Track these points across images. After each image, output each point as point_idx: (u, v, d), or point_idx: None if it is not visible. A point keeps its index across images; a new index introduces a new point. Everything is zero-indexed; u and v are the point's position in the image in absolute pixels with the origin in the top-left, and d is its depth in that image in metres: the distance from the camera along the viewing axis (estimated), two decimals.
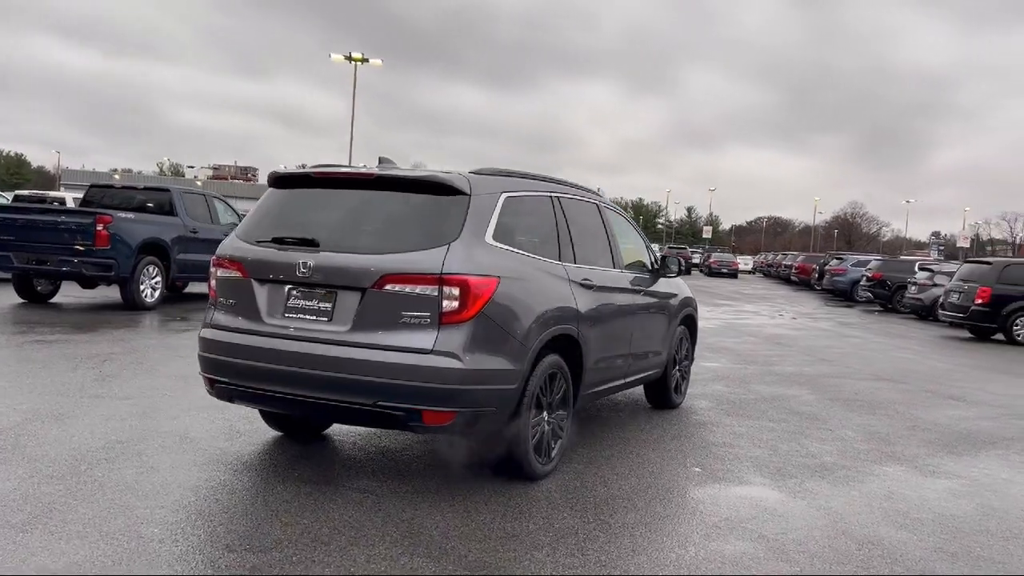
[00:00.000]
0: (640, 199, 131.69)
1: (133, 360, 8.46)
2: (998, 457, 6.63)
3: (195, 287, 16.11)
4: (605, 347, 5.89)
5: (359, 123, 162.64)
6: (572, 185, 6.25)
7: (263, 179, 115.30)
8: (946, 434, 7.36)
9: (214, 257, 5.15)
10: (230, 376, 4.87)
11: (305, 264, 4.69)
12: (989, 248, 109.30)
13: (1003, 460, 6.55)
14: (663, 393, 7.47)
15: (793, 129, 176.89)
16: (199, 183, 78.73)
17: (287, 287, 4.80)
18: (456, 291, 4.46)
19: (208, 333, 5.05)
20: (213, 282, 5.14)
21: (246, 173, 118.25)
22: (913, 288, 23.29)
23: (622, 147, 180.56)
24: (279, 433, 5.90)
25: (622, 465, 5.65)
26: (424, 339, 4.46)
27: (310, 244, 4.78)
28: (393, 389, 4.44)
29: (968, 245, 54.70)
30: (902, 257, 39.40)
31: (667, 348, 7.26)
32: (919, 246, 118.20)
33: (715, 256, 55.90)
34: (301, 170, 5.27)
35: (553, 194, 5.75)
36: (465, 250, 4.58)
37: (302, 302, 4.75)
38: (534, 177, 5.65)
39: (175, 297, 15.04)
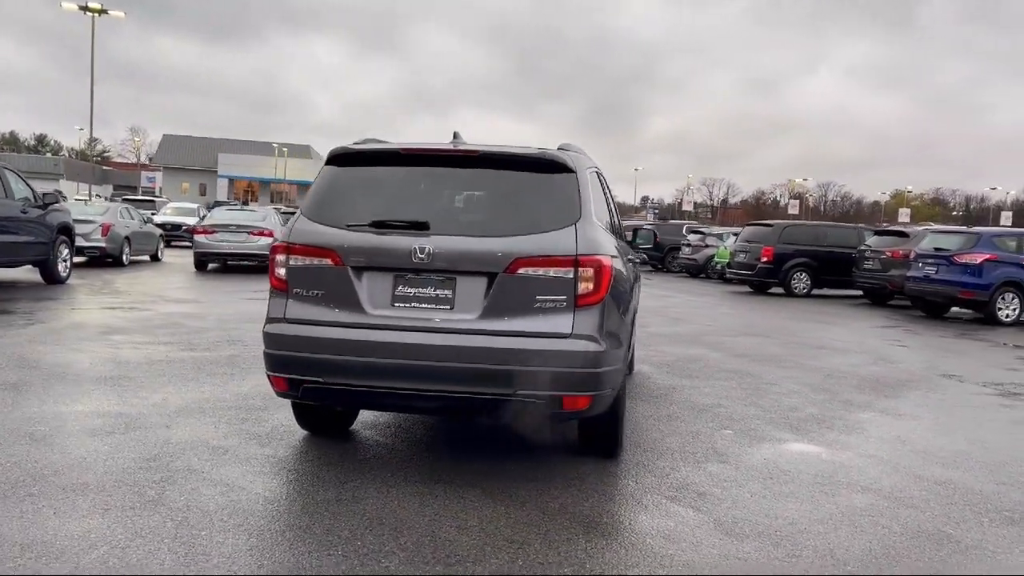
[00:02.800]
0: None
1: (15, 364, 7.23)
2: (921, 398, 7.62)
3: None
4: (633, 320, 6.01)
5: (47, 77, 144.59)
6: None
7: None
8: (862, 381, 8.30)
9: (284, 243, 4.58)
10: (325, 375, 4.39)
11: (422, 249, 4.32)
12: (695, 211, 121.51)
13: (926, 399, 7.53)
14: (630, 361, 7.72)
15: (523, 96, 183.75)
16: None
17: (394, 274, 4.40)
18: (591, 272, 4.35)
19: (284, 329, 4.50)
20: (282, 271, 4.57)
21: None
22: (687, 249, 25.52)
23: (350, 109, 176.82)
24: (306, 432, 5.41)
25: (659, 434, 5.80)
26: (562, 323, 4.32)
27: (421, 227, 4.41)
28: (534, 377, 4.26)
29: (692, 209, 60.49)
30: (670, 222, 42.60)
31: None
32: (636, 210, 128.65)
33: None
34: (381, 146, 4.81)
35: (596, 167, 5.72)
36: (589, 230, 4.47)
37: (415, 290, 4.39)
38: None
39: None
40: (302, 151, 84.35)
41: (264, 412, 5.91)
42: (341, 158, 4.78)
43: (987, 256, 14.65)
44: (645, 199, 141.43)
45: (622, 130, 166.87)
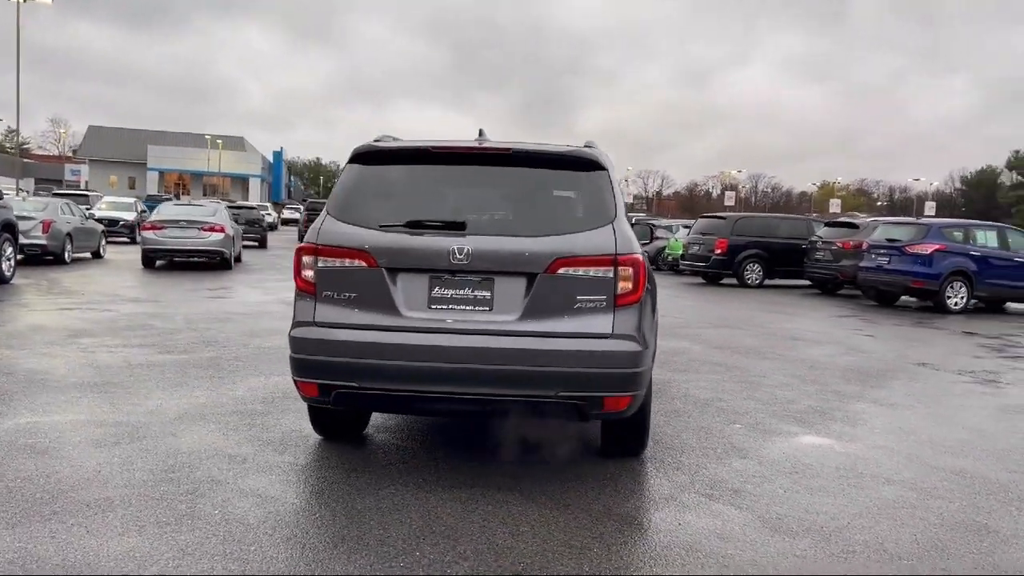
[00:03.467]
0: (318, 158, 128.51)
1: None
2: (905, 387, 7.81)
3: None
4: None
5: None
6: None
7: None
8: (844, 371, 8.47)
9: (311, 245, 4.42)
10: (360, 379, 4.26)
11: (461, 250, 4.22)
12: (632, 203, 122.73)
13: (911, 389, 7.72)
14: None
15: (459, 86, 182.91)
16: None
17: (429, 275, 4.30)
18: (630, 271, 4.32)
19: (314, 333, 4.36)
20: (310, 273, 4.42)
21: None
22: None
23: (283, 99, 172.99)
24: (319, 438, 5.26)
25: (673, 430, 5.81)
26: (602, 323, 4.27)
27: (458, 228, 4.31)
28: (576, 378, 4.21)
29: (632, 201, 61.11)
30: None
31: None
32: None
33: None
34: (409, 144, 4.68)
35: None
36: (625, 229, 4.44)
37: (452, 291, 4.29)
38: None
39: None
40: (236, 143, 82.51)
41: (267, 417, 5.74)
42: (365, 156, 4.64)
43: (937, 246, 15.12)
44: None
45: (558, 121, 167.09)
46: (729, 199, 66.80)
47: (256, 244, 29.05)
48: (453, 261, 4.23)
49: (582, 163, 4.55)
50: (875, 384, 7.83)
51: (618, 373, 4.27)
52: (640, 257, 4.39)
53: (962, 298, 15.19)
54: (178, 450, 4.91)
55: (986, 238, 15.73)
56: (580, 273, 4.26)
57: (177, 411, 5.82)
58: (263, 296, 13.68)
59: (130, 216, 29.21)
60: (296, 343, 4.40)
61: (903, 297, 16.58)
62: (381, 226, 4.36)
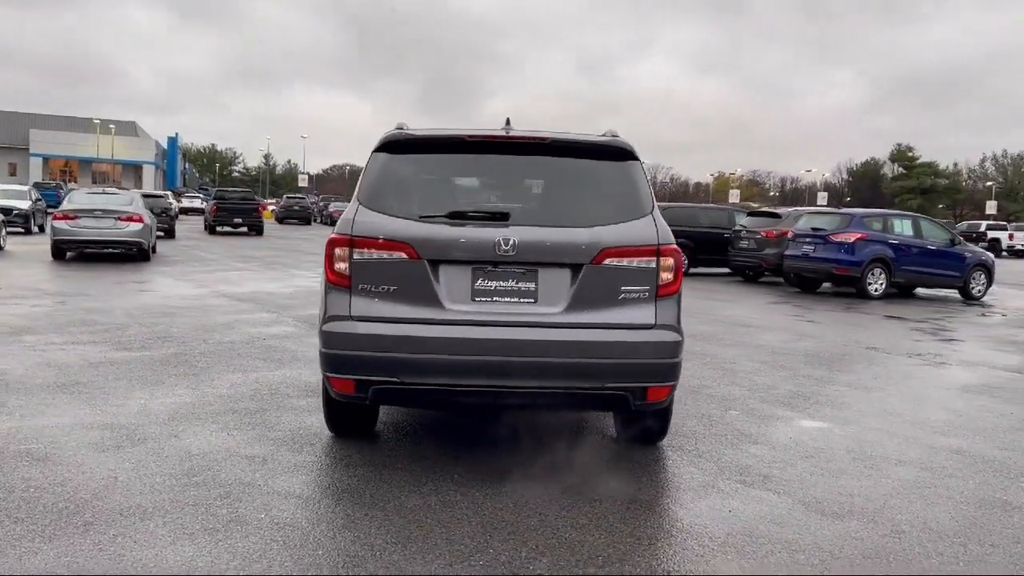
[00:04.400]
0: (213, 144, 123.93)
1: None
2: (867, 370, 8.12)
3: None
4: None
5: None
6: None
7: None
8: (806, 357, 8.74)
9: (346, 236, 4.24)
10: (402, 374, 4.13)
11: (507, 241, 4.14)
12: None
13: (873, 372, 8.03)
14: None
15: (358, 70, 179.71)
16: None
17: (472, 267, 4.20)
18: (671, 262, 4.35)
19: (351, 327, 4.19)
20: (343, 266, 4.25)
21: None
22: None
23: (169, 81, 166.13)
24: (329, 436, 5.09)
25: (676, 418, 5.79)
26: (645, 314, 4.28)
27: (501, 218, 4.23)
28: (621, 369, 4.20)
29: None
30: None
31: None
32: None
33: (334, 206, 53.31)
34: (443, 133, 4.54)
35: None
36: (661, 220, 4.46)
37: (496, 283, 4.21)
38: None
39: None
40: (128, 128, 78.84)
41: (265, 415, 5.53)
42: (394, 145, 4.49)
43: (859, 235, 15.79)
44: None
45: (460, 109, 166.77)
46: None
47: (163, 234, 27.85)
48: (498, 252, 4.15)
49: (618, 153, 4.53)
50: (839, 368, 8.12)
51: (662, 363, 4.28)
52: (677, 247, 4.41)
53: (881, 284, 15.91)
54: (189, 452, 4.67)
55: (902, 227, 16.52)
56: (625, 264, 4.25)
57: (167, 411, 5.53)
58: (197, 289, 13.14)
59: (24, 205, 27.52)
60: (330, 338, 4.23)
61: (825, 284, 17.25)
62: (422, 217, 4.24)
